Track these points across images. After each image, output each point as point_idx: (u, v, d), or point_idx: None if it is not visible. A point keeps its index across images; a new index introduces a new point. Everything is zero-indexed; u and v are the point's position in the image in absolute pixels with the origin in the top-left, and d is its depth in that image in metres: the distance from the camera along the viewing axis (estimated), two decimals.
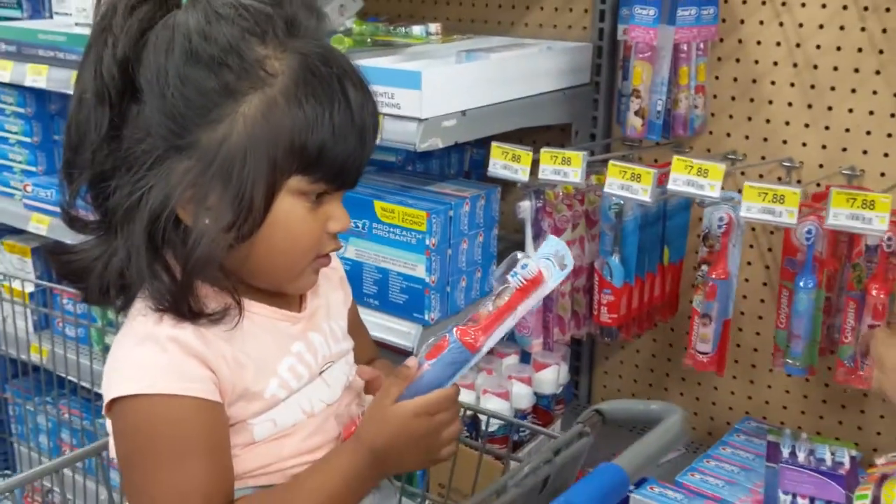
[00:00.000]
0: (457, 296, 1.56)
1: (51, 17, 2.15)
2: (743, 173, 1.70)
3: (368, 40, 1.56)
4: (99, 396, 1.80)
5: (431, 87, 1.39)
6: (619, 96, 1.76)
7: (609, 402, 1.09)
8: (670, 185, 1.34)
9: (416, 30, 1.53)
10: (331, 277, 1.00)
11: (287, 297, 0.93)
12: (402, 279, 1.50)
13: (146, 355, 0.82)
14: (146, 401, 0.82)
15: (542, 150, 1.45)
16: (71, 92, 1.77)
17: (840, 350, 1.50)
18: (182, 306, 0.82)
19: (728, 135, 1.73)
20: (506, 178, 1.50)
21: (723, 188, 1.38)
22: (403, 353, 1.51)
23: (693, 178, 1.32)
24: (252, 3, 0.82)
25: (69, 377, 2.04)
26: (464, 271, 1.56)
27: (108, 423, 0.89)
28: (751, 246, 1.72)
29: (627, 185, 1.37)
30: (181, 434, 0.82)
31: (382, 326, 1.52)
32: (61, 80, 1.86)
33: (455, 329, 0.95)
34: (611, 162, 1.38)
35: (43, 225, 2.01)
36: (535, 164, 1.52)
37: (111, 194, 0.83)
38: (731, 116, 1.72)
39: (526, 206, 1.58)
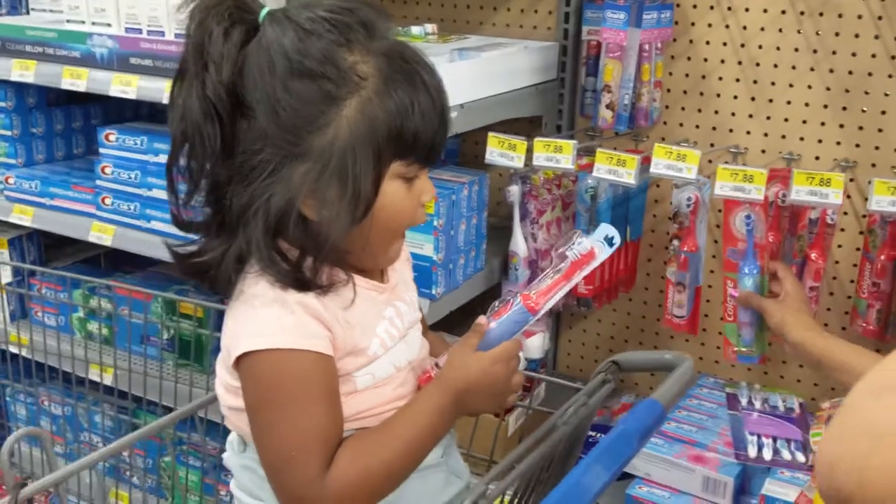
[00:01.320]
0: (457, 272, 1.72)
1: (27, 13, 2.18)
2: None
3: None
4: (81, 382, 1.88)
5: None
6: (582, 91, 1.96)
7: (623, 353, 1.27)
8: (653, 169, 1.54)
9: (415, 30, 1.68)
10: (402, 258, 1.16)
11: (372, 271, 1.07)
12: (411, 257, 1.65)
13: (275, 315, 0.95)
14: (276, 354, 0.95)
15: (536, 139, 1.62)
16: (60, 86, 1.85)
17: None
18: (305, 282, 0.96)
19: (681, 125, 1.95)
20: (503, 164, 1.67)
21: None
22: None
23: (672, 162, 1.52)
24: (330, 15, 0.94)
25: (49, 363, 2.10)
26: (462, 250, 1.72)
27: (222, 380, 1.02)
28: (717, 226, 1.94)
29: (614, 169, 1.56)
30: (305, 383, 0.96)
31: None
32: (50, 74, 1.91)
33: (518, 294, 1.12)
34: (598, 149, 1.56)
35: (27, 216, 2.06)
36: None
37: (229, 199, 0.96)
38: (683, 108, 1.94)
39: (515, 191, 1.75)
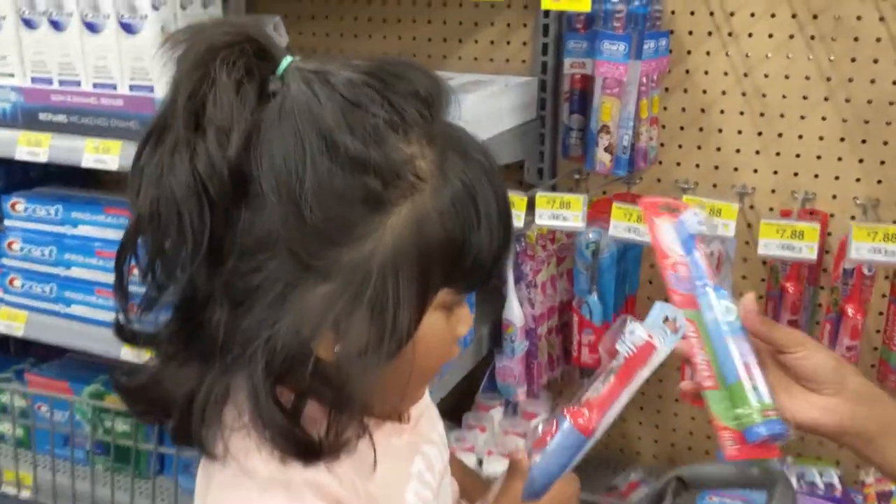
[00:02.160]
0: None
1: None
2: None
3: None
4: None
5: None
6: (565, 130, 1.73)
7: (691, 467, 1.04)
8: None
9: None
10: None
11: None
12: None
13: None
14: None
15: (538, 194, 1.39)
16: None
17: None
18: (313, 448, 0.69)
19: (678, 164, 1.74)
20: None
21: None
22: None
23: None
24: (379, 83, 0.68)
25: None
26: None
27: None
28: (743, 277, 1.73)
29: (633, 226, 1.33)
30: None
31: None
32: None
33: (565, 412, 0.87)
34: (615, 204, 1.33)
35: None
36: None
37: (211, 319, 0.68)
38: (680, 146, 1.73)
39: None
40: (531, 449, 0.87)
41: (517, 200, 1.39)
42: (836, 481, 1.54)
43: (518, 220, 1.40)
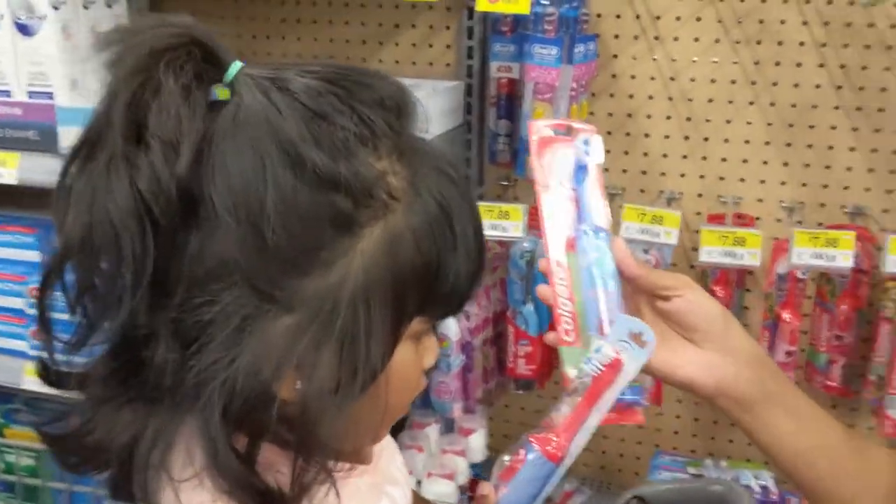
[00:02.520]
0: None
1: None
2: (621, 207, 1.69)
3: None
4: None
5: None
6: (492, 136, 1.69)
7: (649, 485, 1.00)
8: (624, 235, 1.29)
9: None
10: None
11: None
12: None
13: None
14: None
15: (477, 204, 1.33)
16: None
17: None
18: (273, 497, 0.61)
19: (606, 169, 1.70)
20: None
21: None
22: None
23: (647, 226, 1.27)
24: (344, 91, 0.61)
25: None
26: None
27: None
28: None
29: None
30: None
31: None
32: None
33: (530, 440, 0.82)
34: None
35: None
36: None
37: (155, 357, 0.60)
38: (608, 151, 1.69)
39: None
40: (498, 482, 0.81)
41: None
42: (770, 484, 1.54)
43: None
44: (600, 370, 0.82)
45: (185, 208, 0.58)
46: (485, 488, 0.80)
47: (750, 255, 1.23)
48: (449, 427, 1.59)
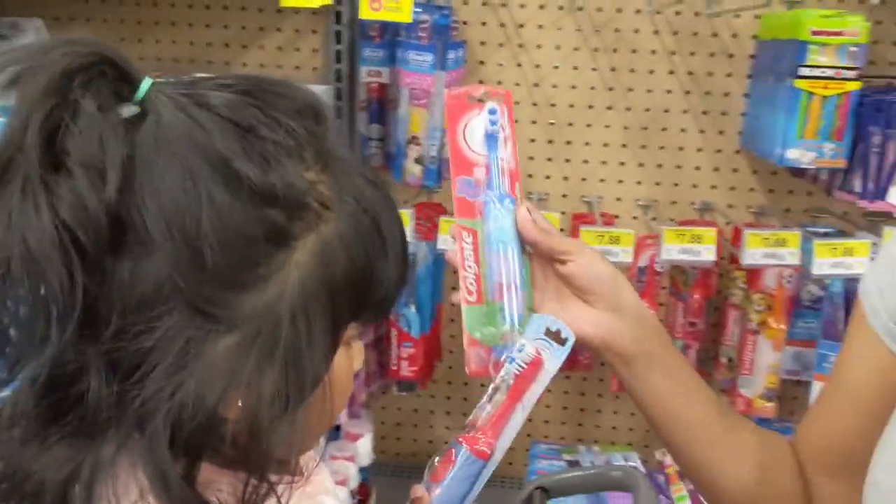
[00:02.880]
0: None
1: None
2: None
3: None
4: None
5: None
6: (363, 140, 1.70)
7: (553, 476, 1.05)
8: None
9: None
10: None
11: None
12: None
13: None
14: None
15: None
16: None
17: None
18: None
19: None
20: None
21: None
22: None
23: None
24: (257, 101, 0.59)
25: None
26: None
27: None
28: None
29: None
30: None
31: None
32: None
33: (459, 440, 0.85)
34: (443, 219, 1.32)
35: None
36: None
37: (89, 391, 0.57)
38: None
39: None
40: (429, 483, 0.83)
41: None
42: (640, 465, 1.64)
43: None
44: (522, 368, 0.86)
45: (114, 234, 0.56)
46: (417, 491, 0.81)
47: (624, 253, 1.30)
48: (336, 434, 1.59)
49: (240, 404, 0.58)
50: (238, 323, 0.57)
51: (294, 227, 0.58)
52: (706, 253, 1.31)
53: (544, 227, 0.86)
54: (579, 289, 0.84)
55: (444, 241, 1.33)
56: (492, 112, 0.89)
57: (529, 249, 0.85)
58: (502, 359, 0.87)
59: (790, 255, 1.30)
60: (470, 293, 0.85)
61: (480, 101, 0.89)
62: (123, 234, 0.55)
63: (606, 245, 1.31)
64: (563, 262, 0.84)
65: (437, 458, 0.84)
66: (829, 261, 1.28)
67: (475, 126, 0.89)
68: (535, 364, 0.85)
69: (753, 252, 1.30)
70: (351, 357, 0.68)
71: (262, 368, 0.58)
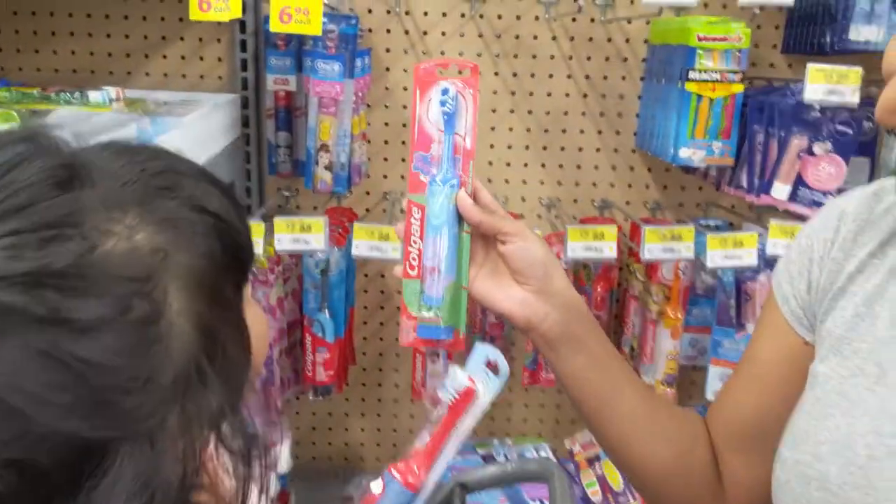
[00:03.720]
0: None
1: None
2: (402, 210, 1.79)
3: (24, 111, 1.26)
4: None
5: None
6: (271, 147, 1.71)
7: (471, 472, 1.09)
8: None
9: (94, 96, 1.28)
10: None
11: None
12: None
13: None
14: None
15: (276, 219, 1.35)
16: None
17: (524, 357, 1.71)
18: None
19: (385, 176, 1.80)
20: None
21: None
22: None
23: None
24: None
25: None
26: None
27: None
28: None
29: (377, 245, 1.36)
30: None
31: None
32: None
33: (391, 469, 0.87)
34: (356, 224, 1.35)
35: None
36: None
37: None
38: (385, 159, 1.79)
39: None
40: None
41: (254, 227, 1.35)
42: (551, 455, 1.71)
43: (257, 247, 1.36)
44: (455, 398, 0.89)
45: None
46: None
47: (608, 248, 1.37)
48: None
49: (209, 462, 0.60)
50: (168, 405, 0.55)
51: (148, 305, 0.55)
52: (608, 250, 1.38)
53: (490, 206, 0.92)
54: (514, 269, 0.89)
55: (357, 247, 1.36)
56: (444, 91, 0.91)
57: (468, 228, 0.90)
58: (439, 391, 0.92)
59: (686, 248, 1.38)
60: (412, 267, 0.90)
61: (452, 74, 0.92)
62: None
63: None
64: (503, 242, 0.89)
65: (371, 485, 0.87)
66: (720, 252, 1.37)
67: (434, 102, 0.92)
68: (468, 395, 0.89)
69: (652, 247, 1.37)
70: (251, 306, 0.68)
71: (202, 412, 0.58)
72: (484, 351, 0.90)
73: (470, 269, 0.91)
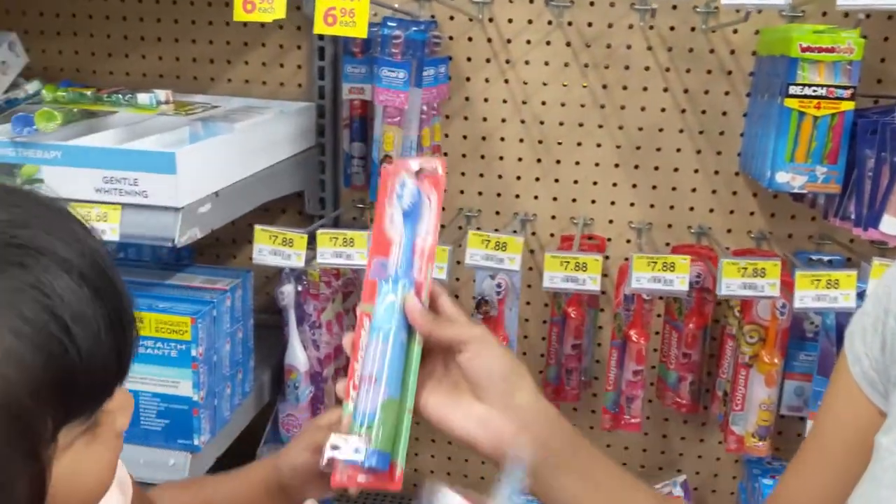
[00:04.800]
0: (223, 407, 1.33)
1: None
2: (479, 228, 1.69)
3: (75, 111, 1.27)
4: None
5: (187, 169, 1.16)
6: (346, 158, 1.65)
7: None
8: (468, 261, 1.27)
9: (143, 98, 1.27)
10: None
11: None
12: (160, 401, 1.24)
13: None
14: None
15: (320, 231, 1.29)
16: None
17: (605, 397, 1.56)
18: None
19: (461, 192, 1.71)
20: (276, 265, 1.31)
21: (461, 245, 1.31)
22: None
23: (491, 252, 1.26)
24: None
25: None
26: (227, 377, 1.34)
27: None
28: (528, 302, 1.71)
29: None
30: None
31: (135, 462, 1.24)
32: None
33: None
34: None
35: None
36: None
37: None
38: (463, 174, 1.70)
39: (289, 291, 1.40)
40: None
41: (296, 239, 1.29)
42: None
43: (299, 260, 1.30)
44: None
45: None
46: None
47: (591, 280, 1.23)
48: None
49: None
50: None
51: None
52: (679, 283, 1.23)
53: (450, 315, 0.78)
54: (469, 381, 0.75)
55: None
56: (402, 185, 0.80)
57: (420, 340, 0.76)
58: None
59: (769, 285, 1.20)
60: (355, 388, 0.74)
61: (418, 173, 0.80)
62: None
63: (572, 272, 1.24)
64: (459, 352, 0.75)
65: None
66: (811, 293, 1.19)
67: (396, 199, 0.80)
68: None
69: (730, 282, 1.21)
70: (103, 434, 0.60)
71: None
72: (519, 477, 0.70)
73: (426, 385, 0.76)
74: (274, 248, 1.29)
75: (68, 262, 0.55)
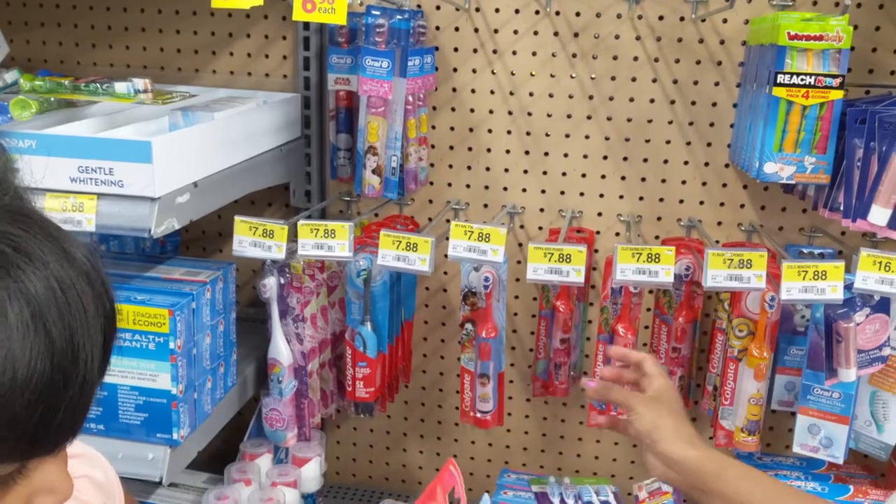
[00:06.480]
0: (203, 401, 1.31)
1: None
2: (467, 221, 1.66)
3: (52, 100, 1.25)
4: None
5: (163, 158, 1.14)
6: (332, 150, 1.64)
7: None
8: (451, 252, 1.25)
9: (120, 87, 1.25)
10: None
11: None
12: (138, 394, 1.23)
13: None
14: None
15: (301, 223, 1.27)
16: None
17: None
18: None
19: (449, 184, 1.69)
20: (256, 257, 1.29)
21: (448, 238, 1.29)
22: (151, 485, 1.24)
23: (474, 243, 1.24)
24: None
25: None
26: (208, 370, 1.32)
27: None
28: (516, 296, 1.70)
29: (403, 255, 1.25)
30: None
31: (113, 456, 1.22)
32: None
33: None
34: (382, 232, 1.24)
35: None
36: None
37: None
38: (450, 166, 1.68)
39: (272, 284, 1.38)
40: None
41: (277, 230, 1.27)
42: (611, 498, 1.54)
43: (279, 251, 1.28)
44: None
45: None
46: None
47: (575, 272, 1.21)
48: (285, 455, 1.52)
49: None
50: None
51: None
52: (663, 274, 1.21)
53: None
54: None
55: (383, 257, 1.25)
56: None
57: None
58: None
59: (755, 277, 1.18)
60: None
61: None
62: None
63: (555, 263, 1.22)
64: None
65: None
66: (798, 284, 1.17)
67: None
68: None
69: (715, 273, 1.19)
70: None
71: None
72: None
73: None
74: (254, 239, 1.27)
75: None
